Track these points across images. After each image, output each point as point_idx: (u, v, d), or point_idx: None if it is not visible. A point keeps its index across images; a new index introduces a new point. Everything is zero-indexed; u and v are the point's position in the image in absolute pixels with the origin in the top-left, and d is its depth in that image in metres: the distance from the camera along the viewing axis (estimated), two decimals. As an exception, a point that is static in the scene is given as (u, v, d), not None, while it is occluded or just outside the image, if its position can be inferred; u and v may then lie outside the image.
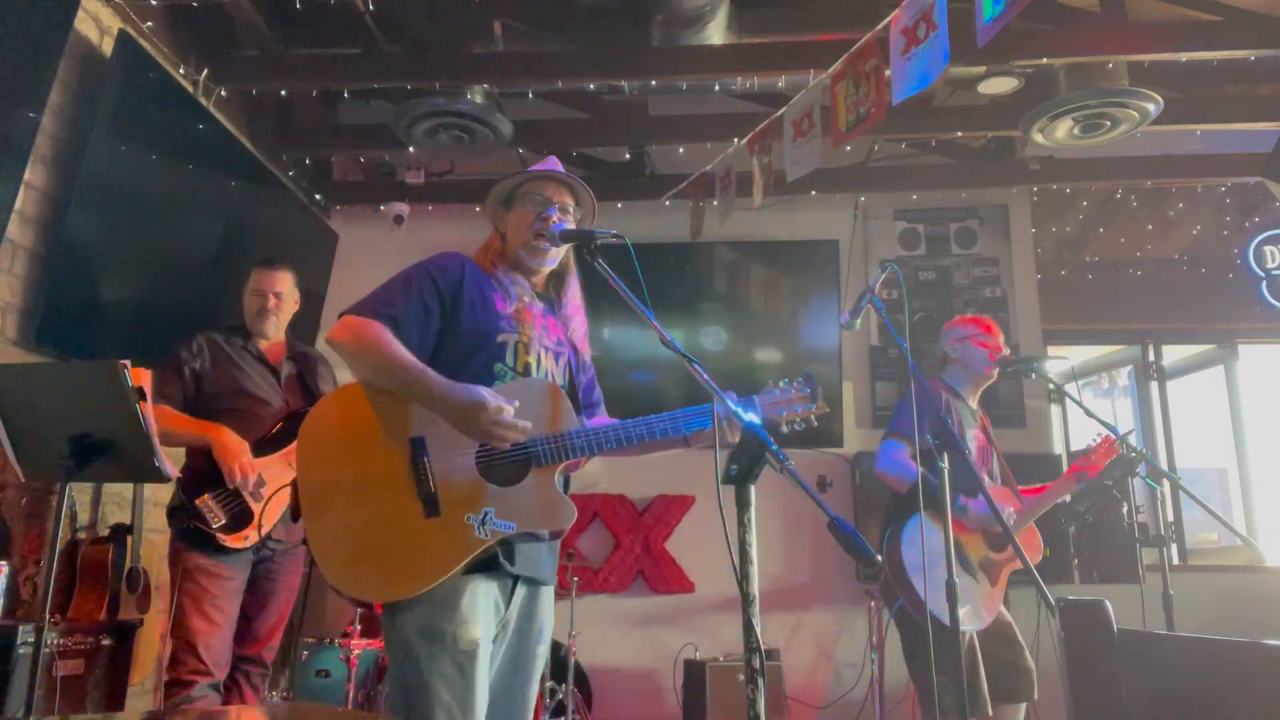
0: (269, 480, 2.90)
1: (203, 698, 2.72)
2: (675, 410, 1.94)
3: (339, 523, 1.80)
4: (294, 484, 1.87)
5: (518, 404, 1.81)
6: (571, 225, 2.07)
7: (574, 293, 2.16)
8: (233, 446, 2.83)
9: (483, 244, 2.14)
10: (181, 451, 2.96)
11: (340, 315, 1.92)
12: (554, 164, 2.16)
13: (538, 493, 1.85)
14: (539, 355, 2.00)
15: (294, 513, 1.86)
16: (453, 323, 1.95)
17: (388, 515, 1.80)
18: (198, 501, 2.80)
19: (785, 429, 2.05)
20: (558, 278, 2.16)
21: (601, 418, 2.18)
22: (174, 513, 2.92)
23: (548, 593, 2.02)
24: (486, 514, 1.80)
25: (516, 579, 1.90)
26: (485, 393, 1.78)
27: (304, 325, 4.55)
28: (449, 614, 1.76)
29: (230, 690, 2.92)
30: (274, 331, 3.15)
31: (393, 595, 1.78)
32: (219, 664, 2.80)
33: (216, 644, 2.79)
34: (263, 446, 2.94)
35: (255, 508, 2.86)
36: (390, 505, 1.80)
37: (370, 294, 1.95)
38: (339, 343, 1.88)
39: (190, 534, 2.82)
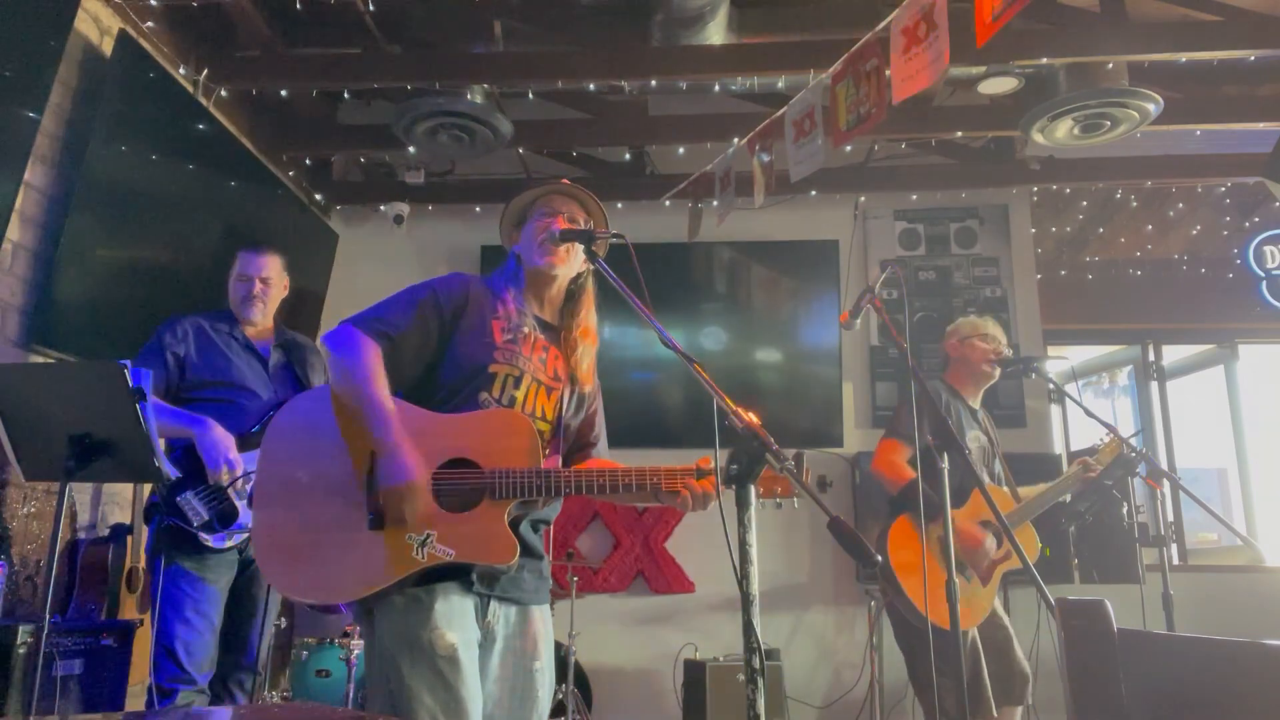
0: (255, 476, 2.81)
1: (187, 705, 2.65)
2: (645, 468, 1.90)
3: (283, 519, 1.82)
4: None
5: (435, 494, 1.80)
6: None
7: (585, 317, 2.10)
8: (217, 439, 2.70)
9: (500, 267, 2.11)
10: (162, 444, 2.78)
11: (341, 322, 1.91)
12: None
13: (483, 524, 1.82)
14: (529, 390, 1.97)
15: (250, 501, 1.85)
16: (448, 347, 1.94)
17: (332, 520, 1.81)
18: (178, 499, 2.68)
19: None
20: (572, 299, 2.11)
21: (597, 461, 2.13)
22: (152, 510, 2.80)
23: (540, 610, 1.98)
24: (428, 537, 1.80)
25: (489, 597, 1.88)
26: (414, 470, 1.77)
27: (304, 325, 4.55)
28: (423, 620, 1.76)
29: (221, 696, 2.83)
30: (261, 318, 3.04)
31: (315, 599, 1.82)
32: (201, 670, 2.69)
33: (199, 650, 2.68)
34: (249, 440, 2.81)
35: (239, 505, 2.74)
36: (337, 511, 1.81)
37: (374, 308, 1.94)
38: (329, 350, 1.88)
39: (170, 533, 2.69)
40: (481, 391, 1.92)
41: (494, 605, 1.89)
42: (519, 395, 1.95)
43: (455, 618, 1.79)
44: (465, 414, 1.89)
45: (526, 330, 2.00)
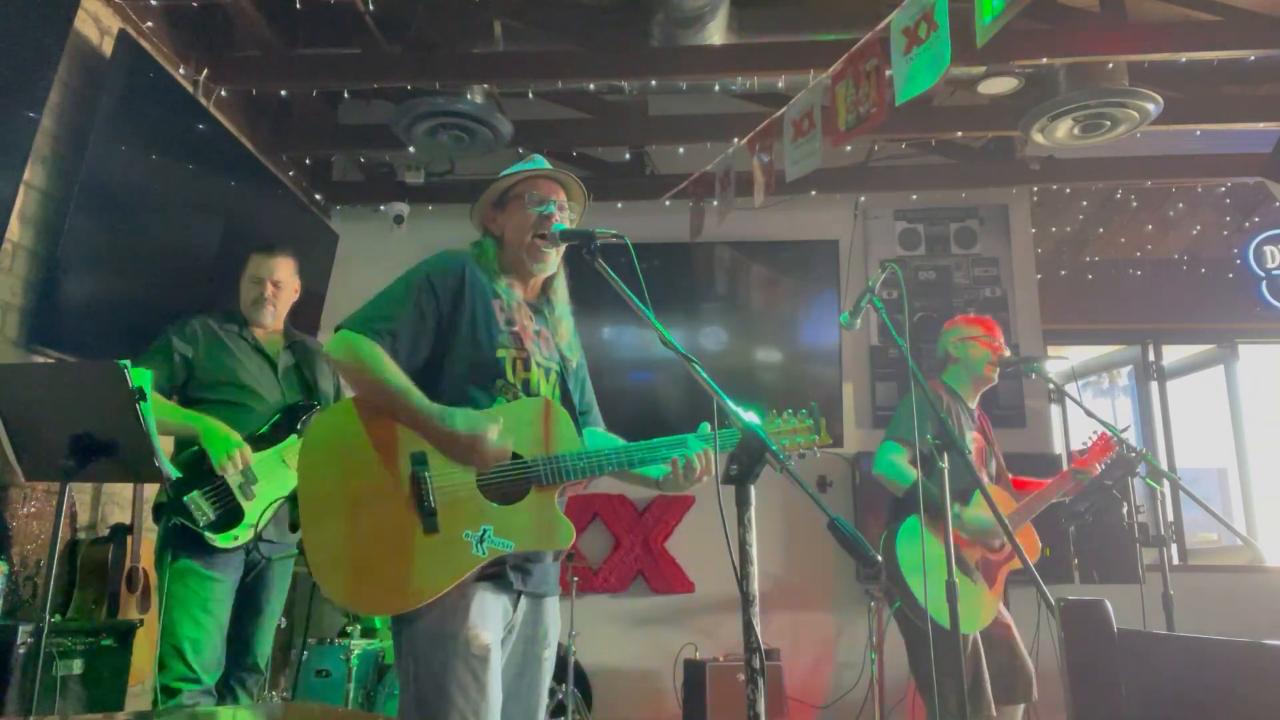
0: (261, 477, 2.78)
1: (192, 705, 2.63)
2: (678, 435, 1.95)
3: (337, 535, 1.79)
4: (293, 495, 1.87)
5: (502, 421, 1.81)
6: (566, 221, 2.05)
7: (563, 293, 2.14)
8: (223, 435, 2.70)
9: (476, 248, 2.09)
10: (170, 443, 2.82)
11: (336, 329, 1.90)
12: (540, 162, 2.13)
13: (537, 512, 1.84)
14: (538, 374, 1.99)
15: (292, 524, 1.84)
16: (451, 334, 1.93)
17: (386, 530, 1.79)
18: (186, 498, 2.67)
19: (786, 456, 2.06)
20: (549, 278, 2.13)
21: (597, 426, 2.17)
22: (159, 510, 2.80)
23: (552, 602, 2.01)
24: (485, 532, 1.80)
25: (520, 593, 1.90)
26: (460, 421, 1.79)
27: (304, 325, 4.55)
28: (460, 619, 1.76)
29: (225, 696, 2.83)
30: (271, 321, 3.03)
31: (387, 610, 1.78)
32: (209, 670, 2.68)
33: (206, 649, 2.67)
34: (256, 441, 2.82)
35: (246, 505, 2.74)
36: (389, 520, 1.79)
37: (367, 305, 1.93)
38: (335, 360, 1.89)
39: (177, 534, 2.69)
40: (496, 378, 1.92)
41: (522, 600, 1.91)
42: (530, 378, 1.97)
43: (489, 618, 1.80)
44: (498, 409, 1.89)
45: (523, 315, 2.02)
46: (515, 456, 1.86)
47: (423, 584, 1.76)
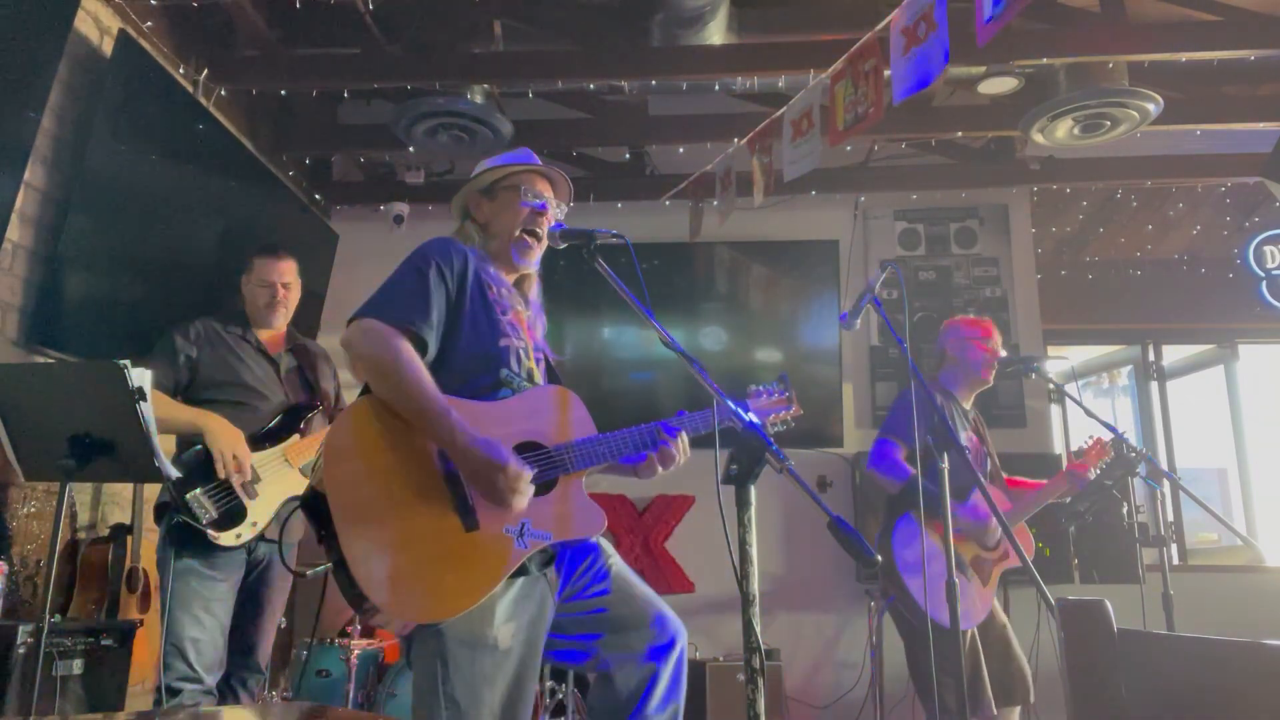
0: (264, 476, 2.82)
1: (193, 704, 2.64)
2: (681, 414, 1.99)
3: (379, 542, 1.71)
4: (304, 502, 1.80)
5: (536, 471, 1.80)
6: (554, 220, 2.05)
7: (538, 291, 2.13)
8: (226, 434, 2.72)
9: (460, 235, 2.06)
10: (172, 443, 2.83)
11: (355, 318, 1.82)
12: (529, 155, 2.13)
13: (569, 501, 1.85)
14: (534, 363, 1.99)
15: (318, 537, 1.78)
16: (455, 322, 1.89)
17: (428, 532, 1.73)
18: (188, 496, 2.68)
19: (771, 430, 2.09)
20: (526, 275, 2.12)
21: None
22: (162, 509, 2.82)
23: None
24: (524, 525, 1.78)
25: (548, 564, 1.89)
26: (507, 454, 1.74)
27: (303, 325, 4.56)
28: (487, 622, 1.75)
29: (226, 696, 2.84)
30: (281, 322, 3.07)
31: (442, 614, 1.71)
32: (210, 669, 2.69)
33: (208, 648, 2.69)
34: (259, 441, 2.85)
35: (248, 504, 2.77)
36: (429, 521, 1.74)
37: (389, 295, 1.85)
38: (361, 353, 1.78)
39: (179, 533, 2.71)
40: (501, 368, 1.91)
41: (551, 569, 1.90)
42: (533, 367, 1.97)
43: (514, 611, 1.79)
44: (514, 399, 1.89)
45: (515, 302, 2.02)
46: (537, 446, 1.85)
47: (475, 583, 1.72)
